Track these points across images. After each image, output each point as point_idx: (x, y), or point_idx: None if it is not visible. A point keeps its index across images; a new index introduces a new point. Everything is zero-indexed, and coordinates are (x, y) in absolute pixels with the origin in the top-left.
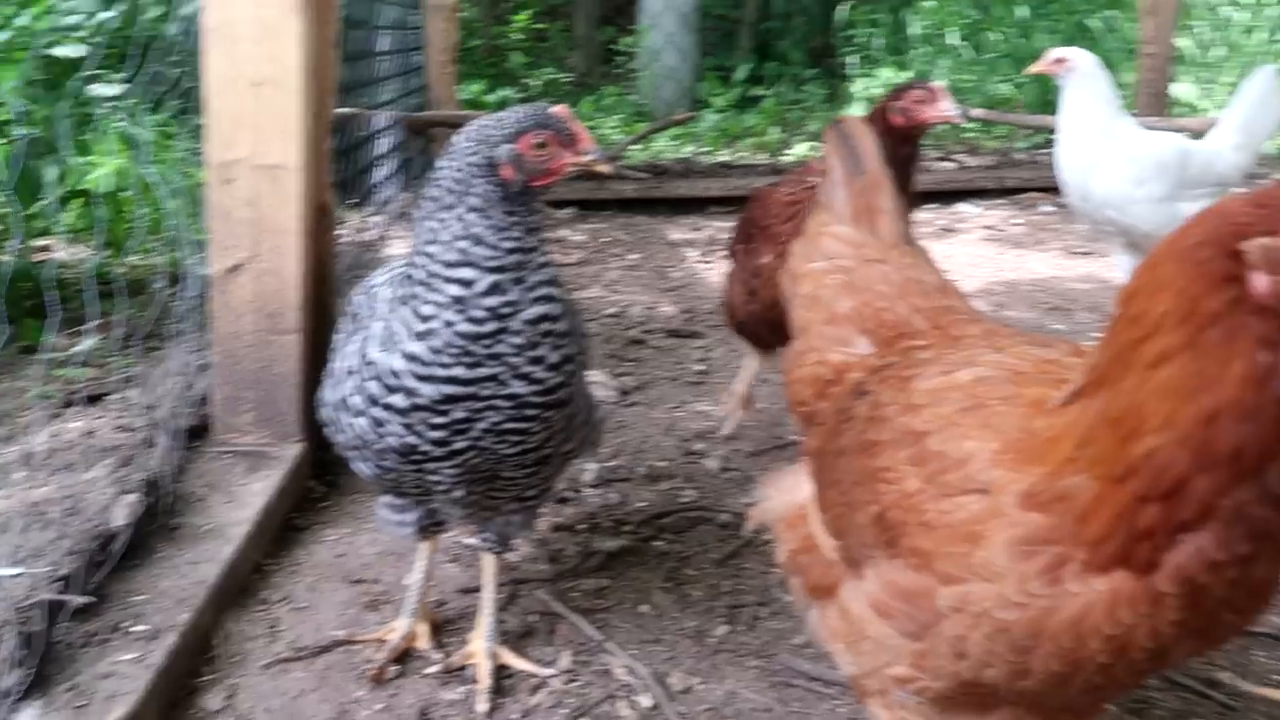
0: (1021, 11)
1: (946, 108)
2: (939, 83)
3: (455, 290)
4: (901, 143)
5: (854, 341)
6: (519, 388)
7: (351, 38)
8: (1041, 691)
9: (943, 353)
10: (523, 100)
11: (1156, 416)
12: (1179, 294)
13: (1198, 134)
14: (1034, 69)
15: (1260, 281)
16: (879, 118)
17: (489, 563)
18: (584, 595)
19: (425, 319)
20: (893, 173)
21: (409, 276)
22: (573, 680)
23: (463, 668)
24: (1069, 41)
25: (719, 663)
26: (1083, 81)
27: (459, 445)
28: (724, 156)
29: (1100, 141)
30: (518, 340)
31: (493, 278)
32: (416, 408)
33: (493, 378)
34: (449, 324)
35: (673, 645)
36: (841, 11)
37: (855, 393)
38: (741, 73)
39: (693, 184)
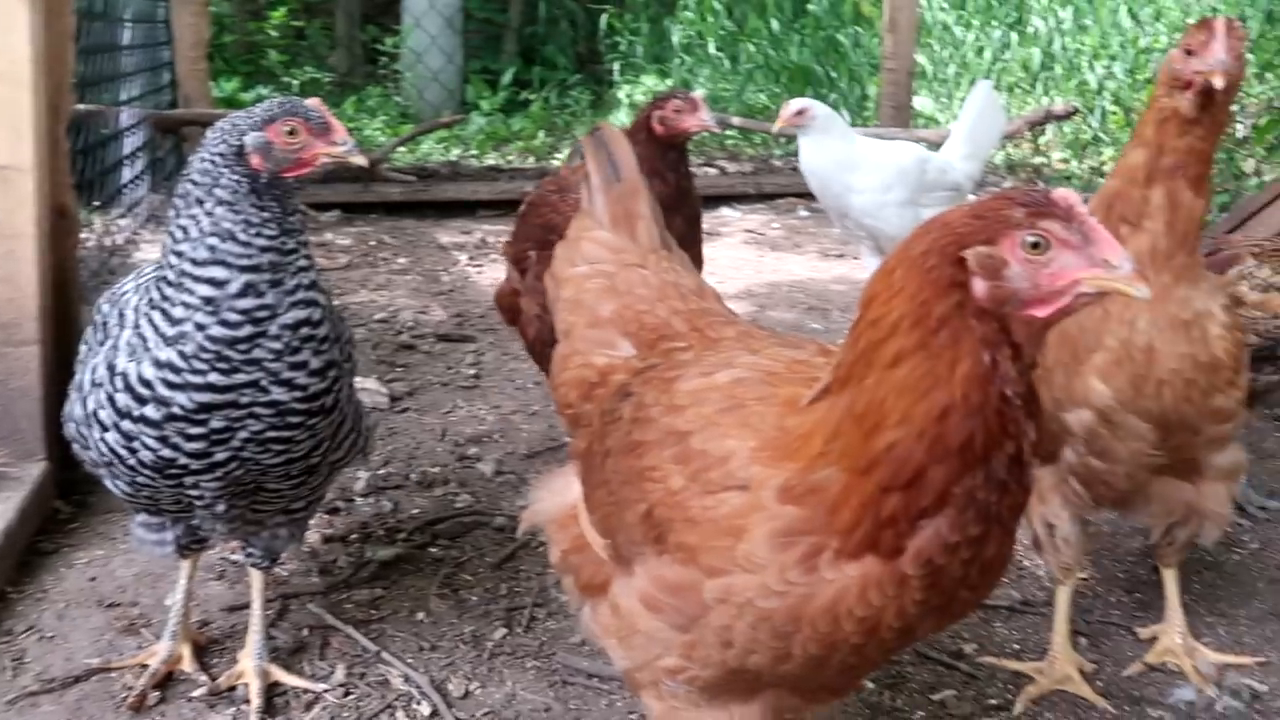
0: (775, 25)
1: (704, 118)
2: (698, 92)
3: (206, 290)
4: (666, 149)
5: (617, 344)
6: (280, 394)
7: (92, 30)
8: (802, 674)
9: (702, 354)
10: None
11: (895, 413)
12: (910, 299)
13: (935, 145)
14: (779, 126)
15: (980, 287)
16: (643, 125)
17: (256, 578)
18: (358, 606)
19: (176, 322)
20: (666, 177)
21: (162, 280)
22: (349, 693)
23: (232, 688)
24: (820, 55)
25: (498, 666)
26: (823, 124)
27: (220, 456)
28: (492, 160)
29: (851, 161)
30: (276, 345)
31: (246, 278)
32: (171, 418)
33: (252, 384)
34: (200, 327)
35: (450, 651)
36: (604, 19)
37: (620, 394)
38: (507, 76)
39: (461, 187)
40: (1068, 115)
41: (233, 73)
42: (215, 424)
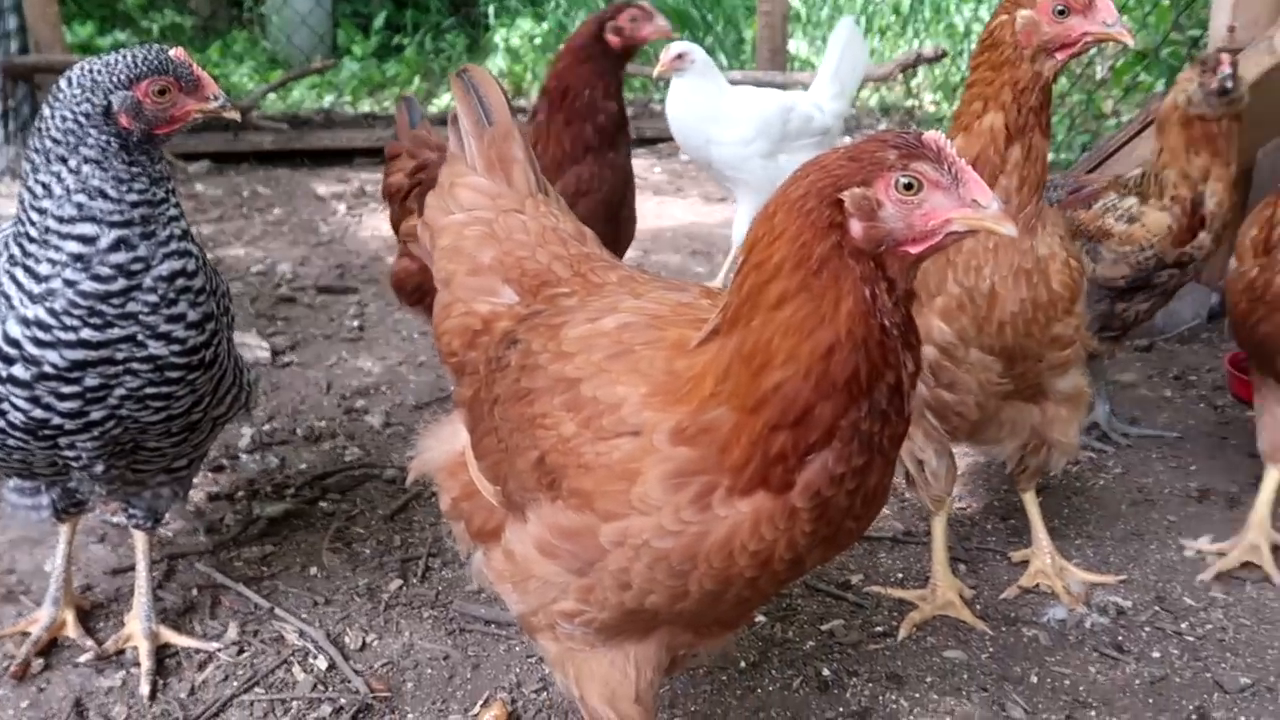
0: None
1: (661, 23)
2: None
3: (75, 247)
4: (617, 66)
5: (499, 291)
6: (158, 348)
7: None
8: (698, 610)
9: (586, 300)
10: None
11: (781, 353)
12: (791, 241)
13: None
14: (659, 70)
15: (856, 227)
16: (592, 38)
17: (140, 539)
18: (248, 564)
19: (42, 279)
20: (618, 100)
21: (23, 235)
22: (242, 651)
23: (121, 652)
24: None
25: (394, 617)
26: (701, 67)
27: (96, 415)
28: (367, 107)
29: (713, 113)
30: (152, 298)
31: (116, 233)
32: (43, 377)
33: (129, 338)
34: (70, 283)
35: (345, 605)
36: None
37: (506, 342)
38: (379, 20)
39: (336, 135)
40: (937, 58)
41: (87, 16)
42: (90, 381)
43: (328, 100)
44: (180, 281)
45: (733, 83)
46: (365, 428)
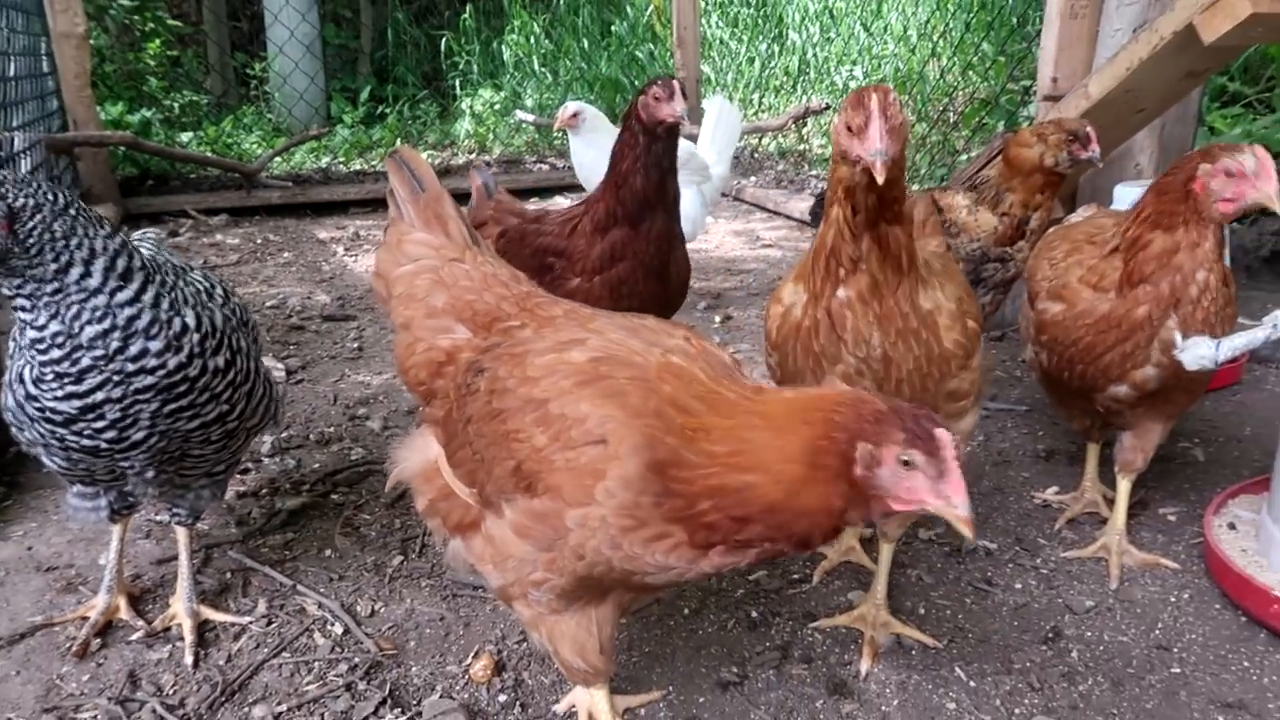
0: (586, 44)
1: (676, 109)
2: (674, 79)
3: (31, 334)
4: (651, 139)
5: (454, 329)
6: (148, 380)
7: None
8: (626, 579)
9: (541, 331)
10: (164, 121)
11: (760, 474)
12: (809, 441)
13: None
14: (557, 125)
15: (859, 470)
16: (632, 112)
17: (182, 534)
18: (273, 549)
19: (23, 350)
20: (649, 173)
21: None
22: (271, 622)
23: (167, 629)
24: (625, 68)
25: (397, 587)
26: (591, 124)
27: (137, 436)
28: (358, 165)
29: (601, 160)
30: (97, 353)
31: (27, 315)
32: (69, 420)
33: (105, 382)
34: (33, 357)
35: (356, 579)
36: (444, 42)
37: (472, 370)
38: (365, 94)
39: (333, 189)
40: (822, 110)
41: (117, 97)
42: (111, 415)
43: (324, 161)
44: (117, 334)
45: None
46: (367, 431)
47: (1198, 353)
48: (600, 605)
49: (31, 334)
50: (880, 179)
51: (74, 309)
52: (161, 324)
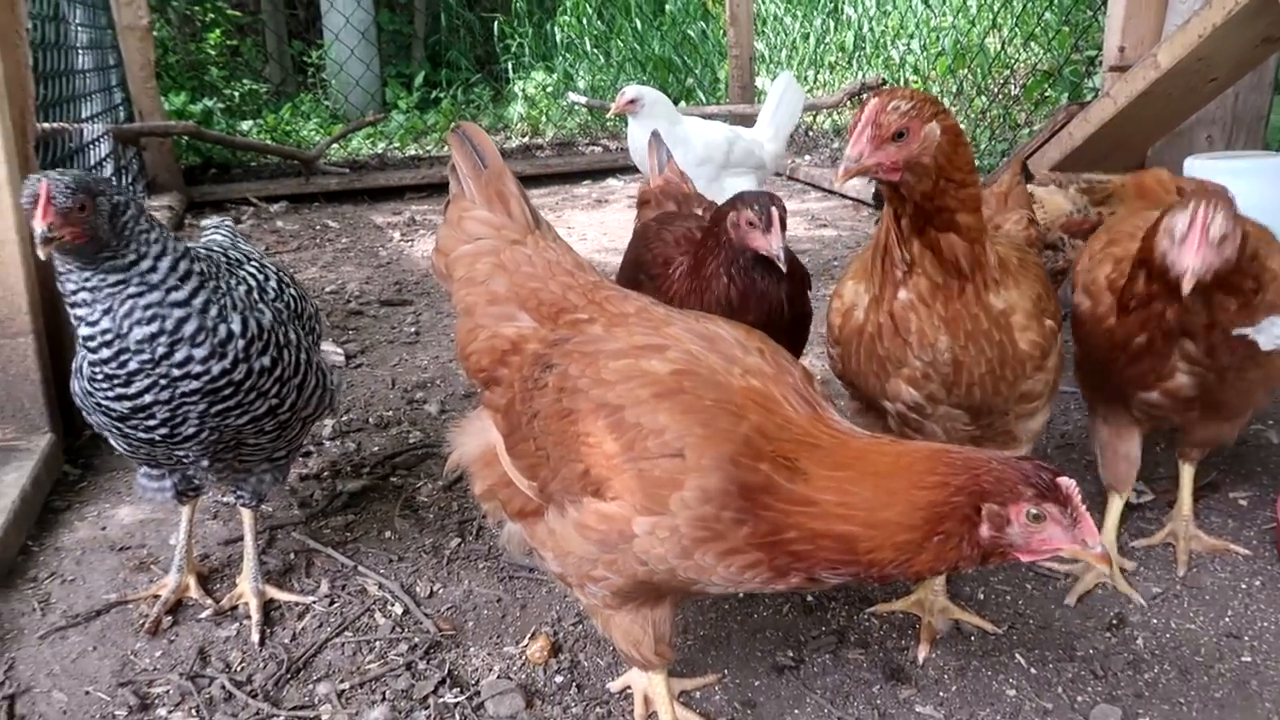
0: (638, 24)
1: (773, 245)
2: (775, 209)
3: (84, 330)
4: (738, 254)
5: (518, 317)
6: (191, 385)
7: (47, 57)
8: (685, 587)
9: (612, 329)
10: (225, 110)
11: (865, 524)
12: (930, 507)
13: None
14: (613, 110)
15: (984, 531)
16: (719, 222)
17: (247, 515)
18: (334, 531)
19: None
20: (734, 278)
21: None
22: (333, 602)
23: (234, 608)
24: (678, 47)
25: (455, 569)
26: (650, 109)
27: (189, 431)
28: (413, 150)
29: (669, 141)
30: (144, 356)
31: (85, 311)
32: (121, 418)
33: (153, 385)
34: (84, 357)
35: (415, 561)
36: (497, 25)
37: (540, 363)
38: (419, 79)
39: (389, 175)
40: (879, 85)
41: (180, 88)
42: (161, 415)
43: (380, 147)
44: (164, 338)
45: (708, 116)
46: (425, 415)
47: (1275, 332)
48: (657, 606)
49: (85, 330)
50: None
51: (127, 304)
52: (207, 331)
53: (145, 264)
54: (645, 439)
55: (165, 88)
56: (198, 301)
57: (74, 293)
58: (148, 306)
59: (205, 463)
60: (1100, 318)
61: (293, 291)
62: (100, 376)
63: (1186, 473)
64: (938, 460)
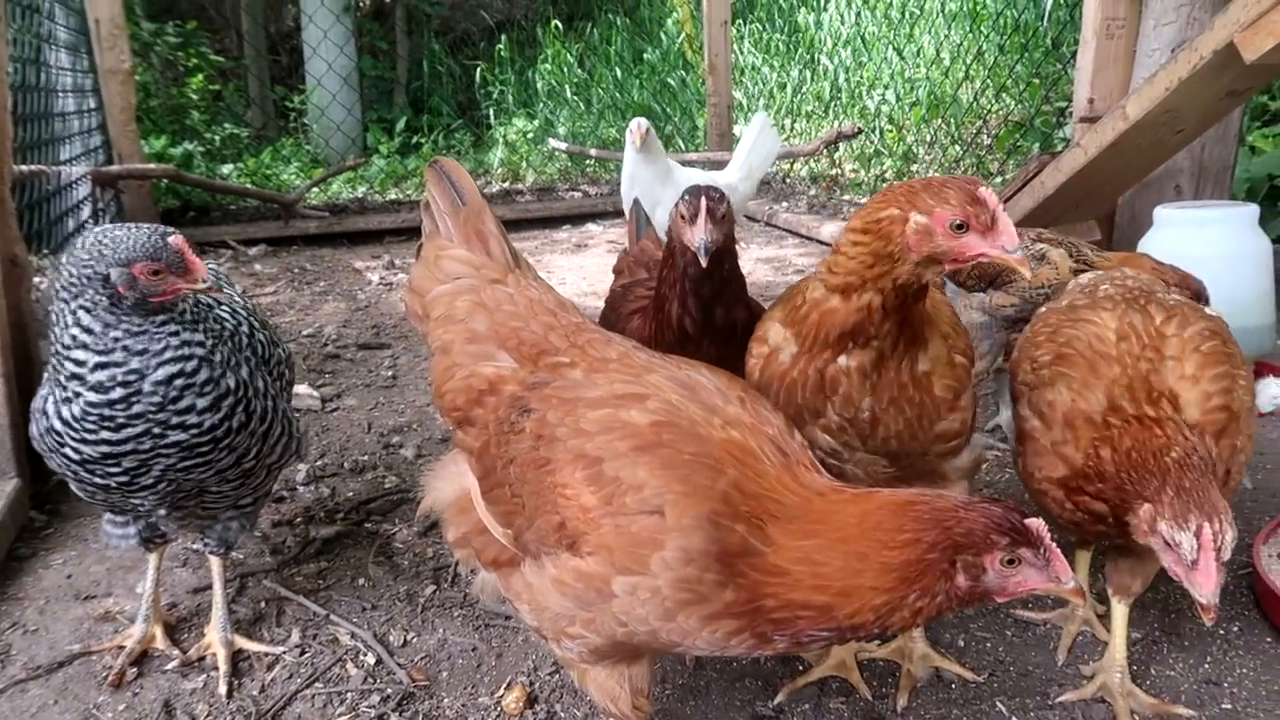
0: (618, 72)
1: (695, 238)
2: (705, 194)
3: (71, 368)
4: (698, 271)
5: (496, 356)
6: (178, 435)
7: (27, 100)
8: (672, 648)
9: (592, 375)
10: (206, 153)
11: (854, 594)
12: (906, 564)
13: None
14: (638, 142)
15: (961, 580)
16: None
17: (216, 563)
18: (307, 578)
19: (64, 388)
20: (687, 304)
21: (53, 353)
22: (304, 652)
23: (202, 658)
24: (657, 95)
25: (430, 617)
26: (654, 144)
27: (147, 481)
28: (393, 195)
29: (664, 181)
30: (155, 399)
31: (99, 359)
32: (86, 461)
33: (144, 433)
34: (78, 395)
35: (389, 609)
36: (478, 73)
37: (517, 407)
38: (400, 124)
39: (369, 219)
40: (854, 134)
41: (160, 131)
42: (127, 464)
43: (361, 190)
44: (179, 381)
45: (686, 163)
46: (401, 459)
47: (1270, 393)
48: (633, 665)
49: (100, 374)
50: (1028, 275)
51: (163, 342)
52: (214, 382)
53: (178, 305)
54: (624, 494)
55: (146, 131)
56: (208, 347)
57: (107, 335)
58: (181, 345)
59: (163, 511)
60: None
61: (262, 336)
62: (94, 418)
63: (1120, 613)
64: (905, 515)
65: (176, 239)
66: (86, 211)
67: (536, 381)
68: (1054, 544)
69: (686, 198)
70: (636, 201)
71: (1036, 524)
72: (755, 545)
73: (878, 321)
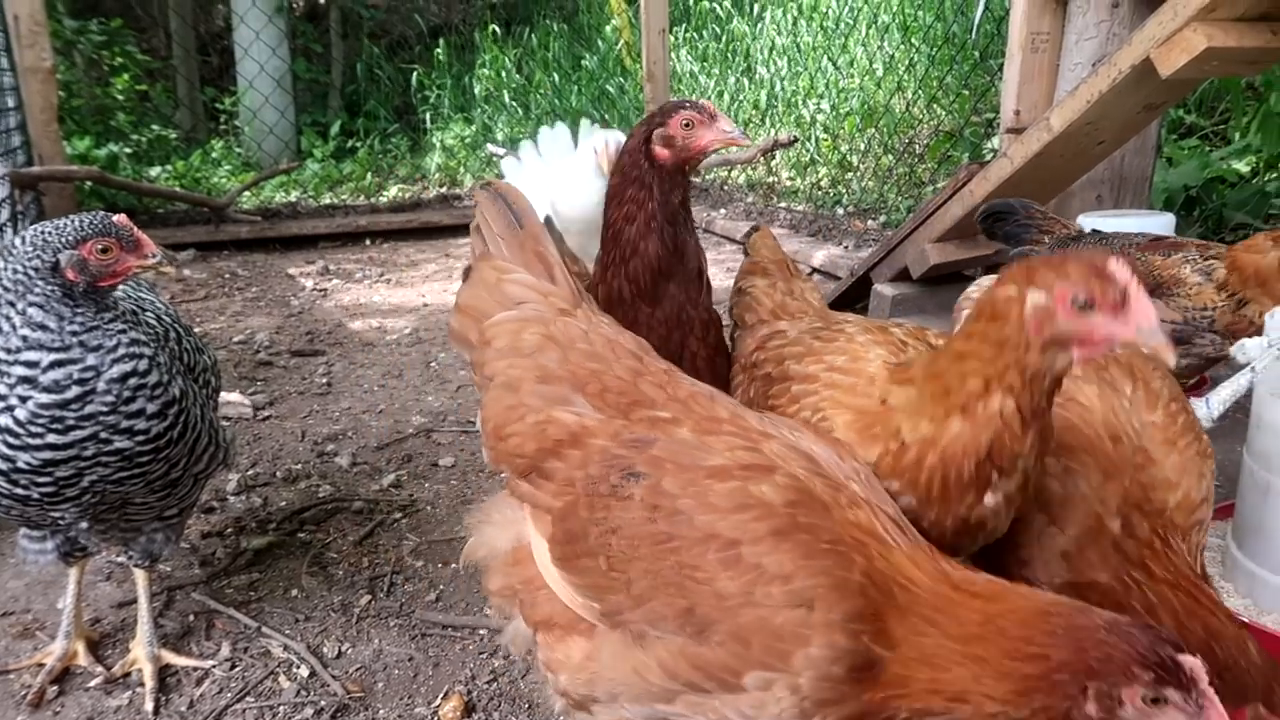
0: (556, 78)
1: (726, 128)
2: (706, 100)
3: (21, 371)
4: (669, 185)
5: (573, 401)
6: (123, 442)
7: None
8: None
9: (706, 439)
10: (132, 155)
11: (971, 702)
12: (1022, 690)
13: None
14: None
15: (1090, 708)
16: (638, 151)
17: (141, 576)
18: (238, 590)
19: (3, 396)
20: (664, 234)
21: None
22: (235, 666)
23: (127, 675)
24: (596, 101)
25: (365, 627)
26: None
27: (72, 493)
28: (328, 199)
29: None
30: (109, 399)
31: (55, 356)
32: (17, 471)
33: (92, 437)
34: (25, 399)
35: (323, 620)
36: (415, 76)
37: (618, 467)
38: (335, 128)
39: (303, 224)
40: (791, 143)
41: (84, 132)
42: (60, 474)
43: (294, 195)
44: (133, 381)
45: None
46: (335, 468)
47: (1202, 412)
48: None
49: (56, 374)
50: (1171, 361)
51: (115, 339)
52: (163, 386)
53: (121, 304)
54: (770, 584)
55: (69, 132)
56: (153, 349)
57: (63, 330)
58: (131, 343)
59: (84, 525)
60: None
61: (188, 343)
62: (43, 420)
63: None
64: (1036, 626)
65: (122, 216)
66: (4, 214)
67: (638, 439)
68: (1211, 690)
69: (687, 105)
70: (550, 220)
71: (1192, 663)
72: (880, 654)
73: (1018, 432)
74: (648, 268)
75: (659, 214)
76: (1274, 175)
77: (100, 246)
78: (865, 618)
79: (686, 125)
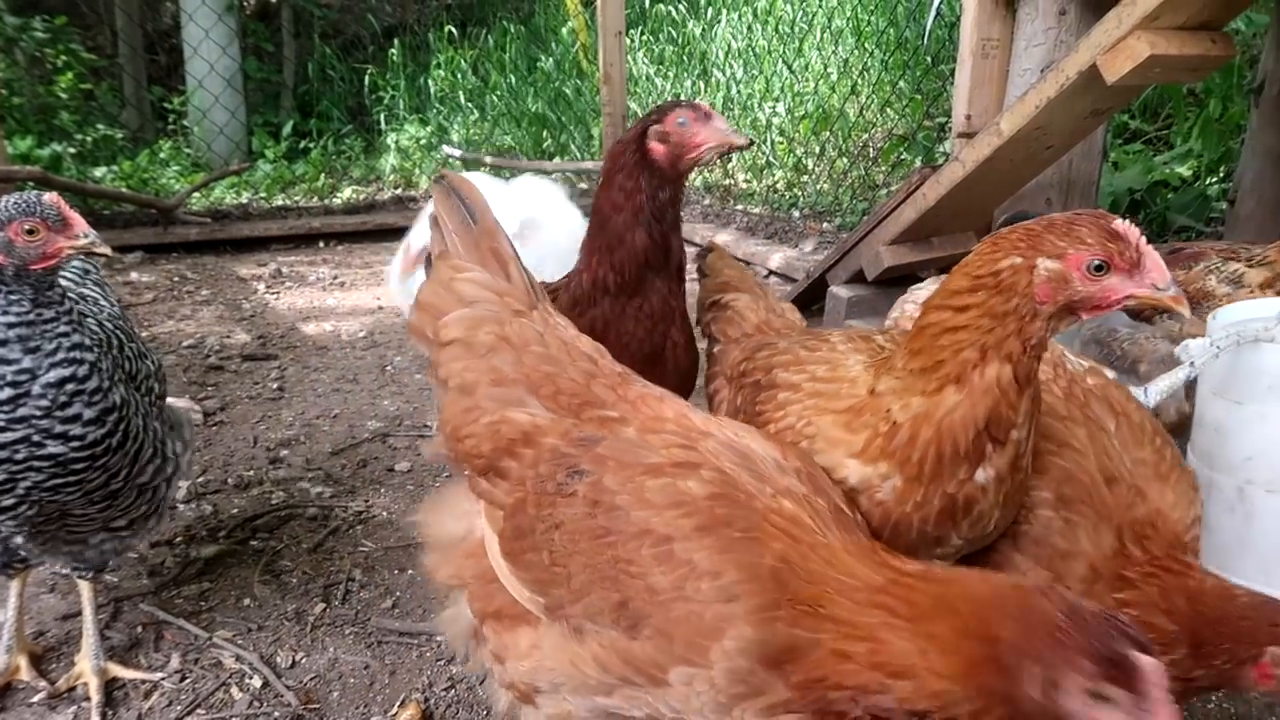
0: (512, 80)
1: (721, 127)
2: (703, 100)
3: None
4: (660, 184)
5: (528, 402)
6: (56, 447)
7: None
8: None
9: (647, 437)
10: (77, 155)
11: (915, 676)
12: (965, 684)
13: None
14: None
15: (1032, 693)
16: (634, 151)
17: (85, 587)
18: (188, 600)
19: None
20: (652, 230)
21: None
22: (184, 678)
23: (72, 689)
24: (552, 104)
25: (319, 636)
26: (546, 218)
27: (7, 503)
28: (280, 200)
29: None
30: (43, 403)
31: None
32: None
33: (23, 439)
34: None
35: (276, 629)
36: (368, 77)
37: (566, 466)
38: (288, 128)
39: (254, 225)
40: (746, 146)
41: (26, 131)
42: None
43: (245, 196)
44: (70, 386)
45: (581, 172)
46: (288, 474)
47: (1163, 385)
48: None
49: None
50: (1187, 313)
51: (55, 343)
52: (102, 392)
53: (67, 302)
54: (699, 579)
55: (10, 131)
56: (96, 355)
57: (1, 323)
58: (72, 348)
59: (20, 539)
60: None
61: (130, 349)
62: None
63: None
64: (991, 606)
65: (51, 194)
66: None
67: (585, 438)
68: (1166, 698)
69: (683, 103)
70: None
71: (1149, 666)
72: (802, 638)
73: (1014, 401)
74: (634, 260)
75: (646, 207)
76: (1215, 179)
77: (26, 228)
78: (780, 604)
79: (682, 123)
